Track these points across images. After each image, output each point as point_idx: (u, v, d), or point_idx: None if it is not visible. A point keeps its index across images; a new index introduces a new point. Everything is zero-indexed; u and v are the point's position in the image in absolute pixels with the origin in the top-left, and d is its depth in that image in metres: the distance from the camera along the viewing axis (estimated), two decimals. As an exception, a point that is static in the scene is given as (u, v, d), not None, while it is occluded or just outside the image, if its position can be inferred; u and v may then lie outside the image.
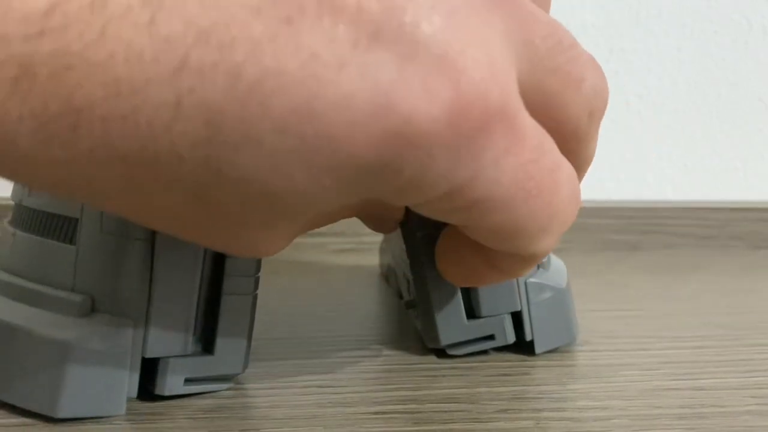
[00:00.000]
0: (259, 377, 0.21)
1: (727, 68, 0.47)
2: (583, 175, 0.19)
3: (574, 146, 0.17)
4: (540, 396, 0.20)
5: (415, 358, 0.23)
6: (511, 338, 0.22)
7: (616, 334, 0.26)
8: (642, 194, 0.48)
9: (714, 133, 0.48)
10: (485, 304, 0.22)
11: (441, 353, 0.23)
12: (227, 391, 0.20)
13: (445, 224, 0.21)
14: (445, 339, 0.22)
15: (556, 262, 0.24)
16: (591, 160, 0.18)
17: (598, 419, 0.19)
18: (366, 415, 0.19)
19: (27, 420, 0.17)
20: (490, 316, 0.22)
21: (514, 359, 0.23)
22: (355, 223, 0.21)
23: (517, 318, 0.22)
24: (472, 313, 0.22)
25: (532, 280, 0.22)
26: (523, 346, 0.23)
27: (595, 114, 0.17)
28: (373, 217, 0.21)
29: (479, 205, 0.15)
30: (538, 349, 0.23)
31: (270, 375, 0.21)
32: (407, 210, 0.21)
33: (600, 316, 0.28)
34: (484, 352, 0.23)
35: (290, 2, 0.12)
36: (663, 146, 0.48)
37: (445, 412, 0.19)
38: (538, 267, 0.23)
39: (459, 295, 0.22)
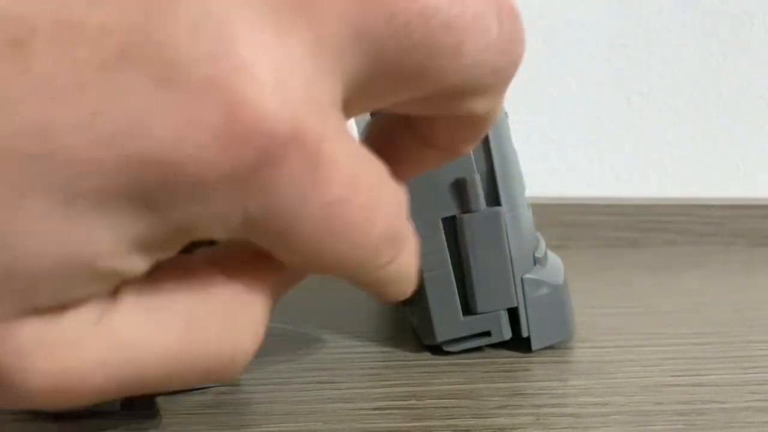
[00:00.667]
0: (259, 374, 0.21)
1: (728, 66, 0.47)
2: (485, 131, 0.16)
3: (476, 121, 0.15)
4: (540, 392, 0.20)
5: (414, 355, 0.23)
6: (508, 334, 0.22)
7: (616, 330, 0.26)
8: (643, 191, 0.48)
9: (715, 131, 0.48)
10: (481, 300, 0.22)
11: (437, 350, 0.23)
12: (227, 387, 0.20)
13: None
14: (441, 335, 0.22)
15: (553, 259, 0.24)
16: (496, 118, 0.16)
17: (598, 415, 0.19)
18: (365, 411, 0.19)
19: (23, 415, 0.17)
20: (487, 313, 0.22)
21: (513, 355, 0.23)
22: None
23: (513, 314, 0.22)
24: (468, 309, 0.22)
25: (528, 276, 0.22)
26: (520, 343, 0.23)
27: (503, 70, 0.14)
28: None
29: (283, 237, 0.13)
30: (534, 346, 0.23)
31: (270, 372, 0.21)
32: None
33: (600, 313, 0.28)
34: (482, 348, 0.23)
35: (20, 23, 0.11)
36: (664, 143, 0.48)
37: (445, 407, 0.19)
38: (535, 263, 0.23)
39: (455, 291, 0.22)
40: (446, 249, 0.21)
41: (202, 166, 0.11)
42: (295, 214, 0.13)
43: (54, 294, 0.12)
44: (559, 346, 0.23)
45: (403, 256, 0.16)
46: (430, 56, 0.13)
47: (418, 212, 0.21)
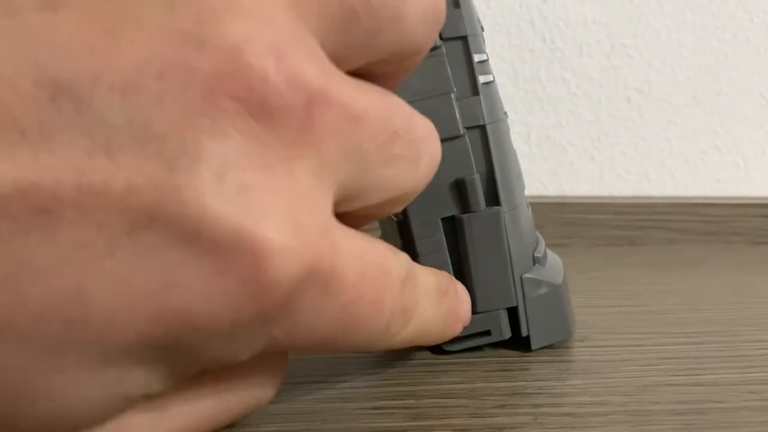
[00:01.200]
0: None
1: (728, 64, 0.47)
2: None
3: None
4: (539, 391, 0.20)
5: (413, 354, 0.23)
6: (507, 334, 0.22)
7: (615, 329, 0.26)
8: (642, 190, 0.48)
9: (715, 129, 0.48)
10: (480, 299, 0.22)
11: (437, 349, 0.23)
12: (226, 386, 0.20)
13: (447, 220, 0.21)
14: None
15: (553, 258, 0.24)
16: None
17: (597, 414, 0.19)
18: (364, 410, 0.19)
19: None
20: (486, 312, 0.22)
21: (512, 355, 0.23)
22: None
23: (513, 314, 0.22)
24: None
25: (527, 275, 0.22)
26: (519, 342, 0.23)
27: (428, 179, 0.17)
28: None
29: (302, 347, 0.14)
30: (534, 345, 0.23)
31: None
32: (405, 208, 0.21)
33: (599, 312, 0.28)
34: (481, 347, 0.23)
35: (43, 193, 0.11)
36: (663, 142, 0.48)
37: (444, 407, 0.19)
38: (535, 262, 0.23)
39: None
40: (446, 249, 0.22)
41: (233, 314, 0.12)
42: (313, 328, 0.14)
43: (93, 422, 0.13)
44: (557, 346, 0.23)
45: (420, 314, 0.17)
46: (400, 170, 0.15)
47: (417, 212, 0.21)
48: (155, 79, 0.11)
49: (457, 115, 0.21)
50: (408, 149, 0.15)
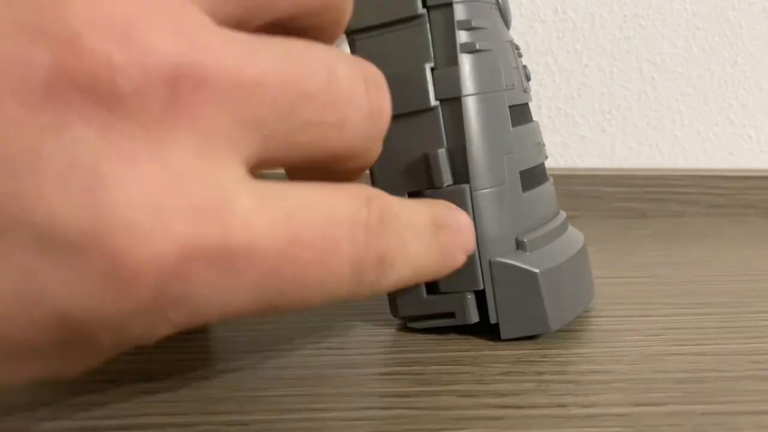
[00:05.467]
0: (269, 340, 0.21)
1: (743, 34, 0.47)
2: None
3: (355, 164, 0.16)
4: (543, 359, 0.20)
5: (422, 322, 0.23)
6: (474, 318, 0.21)
7: (623, 300, 0.26)
8: (653, 162, 0.47)
9: (728, 101, 0.47)
10: (444, 279, 0.21)
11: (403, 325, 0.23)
12: (235, 354, 0.20)
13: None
14: (403, 311, 0.22)
15: (556, 245, 0.22)
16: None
17: (599, 382, 0.19)
18: (372, 376, 0.19)
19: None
20: (450, 293, 0.21)
21: (495, 339, 0.22)
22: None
23: (482, 298, 0.21)
24: (431, 287, 0.21)
25: (498, 259, 0.21)
26: (490, 330, 0.22)
27: (375, 137, 0.16)
28: None
29: (220, 319, 0.14)
30: (503, 335, 0.21)
31: (280, 338, 0.22)
32: (372, 180, 0.21)
33: (607, 283, 0.28)
34: (461, 331, 0.22)
35: None
36: (676, 114, 0.47)
37: (449, 373, 0.19)
38: (518, 247, 0.21)
39: None
40: None
41: (108, 309, 0.12)
42: (227, 303, 0.13)
43: None
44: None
45: (408, 255, 0.17)
46: (320, 134, 0.14)
47: (385, 186, 0.21)
48: None
49: (429, 87, 0.20)
50: (324, 112, 0.14)
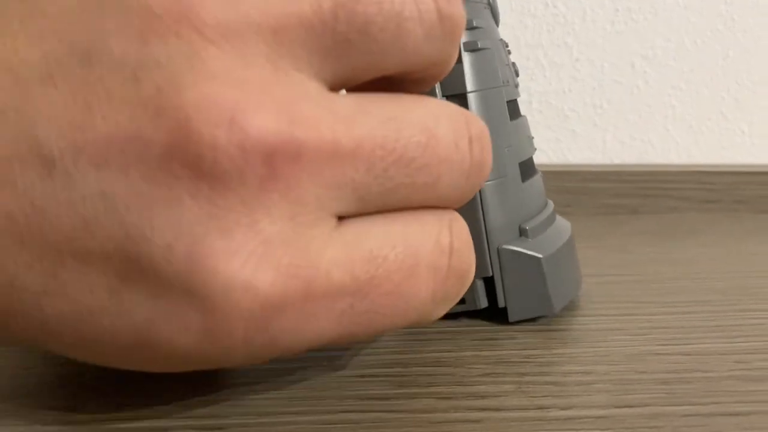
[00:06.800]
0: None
1: (735, 28, 0.46)
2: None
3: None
4: (525, 360, 0.20)
5: (405, 322, 0.23)
6: (483, 304, 0.22)
7: (608, 299, 0.26)
8: (646, 157, 0.47)
9: (721, 95, 0.47)
10: None
11: None
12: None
13: None
14: None
15: (552, 232, 0.24)
16: None
17: (580, 383, 0.19)
18: (351, 378, 0.19)
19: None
20: None
21: (502, 324, 0.23)
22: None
23: (490, 284, 0.22)
24: None
25: (506, 247, 0.22)
26: (498, 314, 0.23)
27: (470, 191, 0.17)
28: None
29: (305, 351, 0.16)
30: (511, 317, 0.22)
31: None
32: None
33: (594, 281, 0.28)
34: (470, 316, 0.23)
35: (54, 257, 0.13)
36: (668, 108, 0.47)
37: (430, 375, 0.19)
38: (521, 234, 0.23)
39: None
40: None
41: (202, 349, 0.14)
42: (304, 340, 0.15)
43: None
44: (547, 314, 0.23)
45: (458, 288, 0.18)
46: (416, 191, 0.15)
47: None
48: (119, 152, 0.13)
49: (436, 84, 0.21)
50: (419, 174, 0.15)
